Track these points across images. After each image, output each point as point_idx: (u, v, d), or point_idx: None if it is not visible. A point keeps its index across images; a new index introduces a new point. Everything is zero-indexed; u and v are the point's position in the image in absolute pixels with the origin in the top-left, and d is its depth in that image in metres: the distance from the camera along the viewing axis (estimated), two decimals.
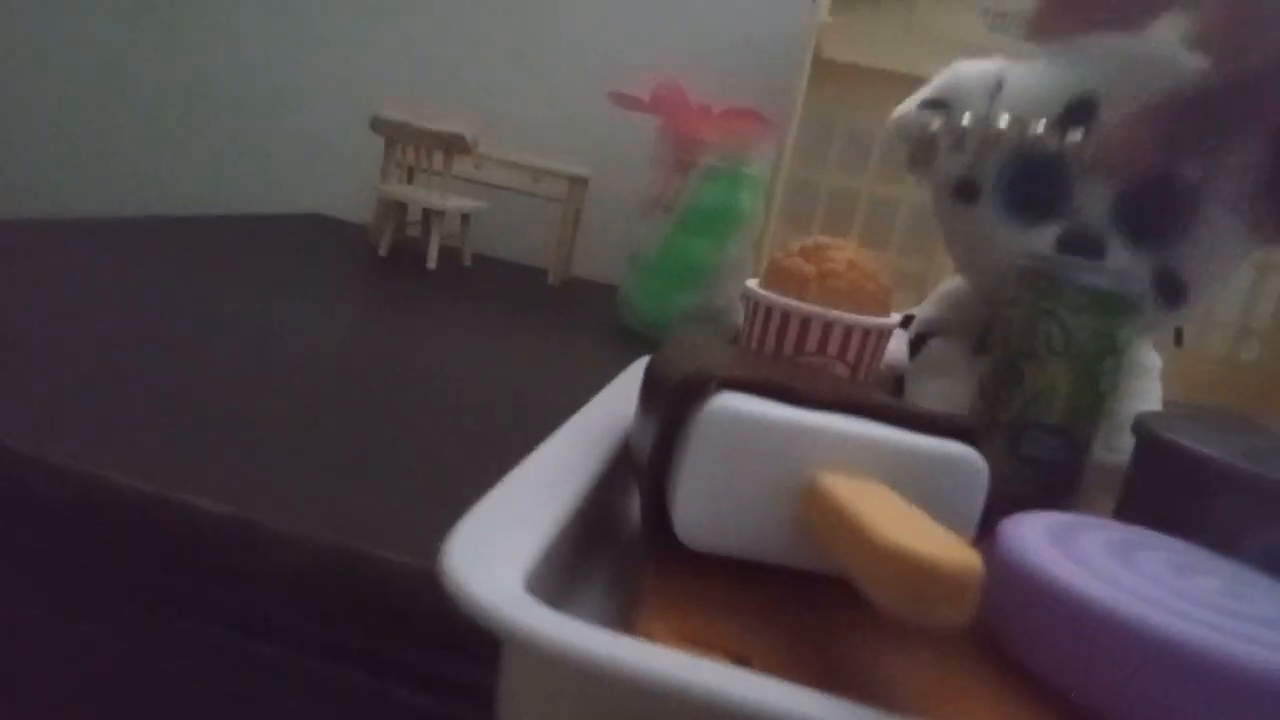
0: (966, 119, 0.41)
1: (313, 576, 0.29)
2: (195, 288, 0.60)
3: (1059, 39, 0.41)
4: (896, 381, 0.53)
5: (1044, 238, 0.39)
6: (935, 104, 0.44)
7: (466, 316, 0.70)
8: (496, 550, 0.21)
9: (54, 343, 0.42)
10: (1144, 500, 0.33)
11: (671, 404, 0.26)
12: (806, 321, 0.38)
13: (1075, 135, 0.38)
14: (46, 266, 0.57)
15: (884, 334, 0.39)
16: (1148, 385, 0.45)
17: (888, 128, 0.46)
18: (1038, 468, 0.35)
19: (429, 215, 0.86)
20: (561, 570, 0.25)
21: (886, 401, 0.27)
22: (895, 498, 0.23)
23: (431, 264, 0.85)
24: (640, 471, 0.29)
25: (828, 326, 0.38)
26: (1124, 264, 0.39)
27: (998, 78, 0.42)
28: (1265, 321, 0.80)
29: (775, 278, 0.39)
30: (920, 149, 0.44)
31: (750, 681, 0.18)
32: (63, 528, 0.30)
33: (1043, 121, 0.39)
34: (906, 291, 0.84)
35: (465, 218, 0.90)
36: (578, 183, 0.91)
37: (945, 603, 0.19)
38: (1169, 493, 0.32)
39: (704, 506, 0.25)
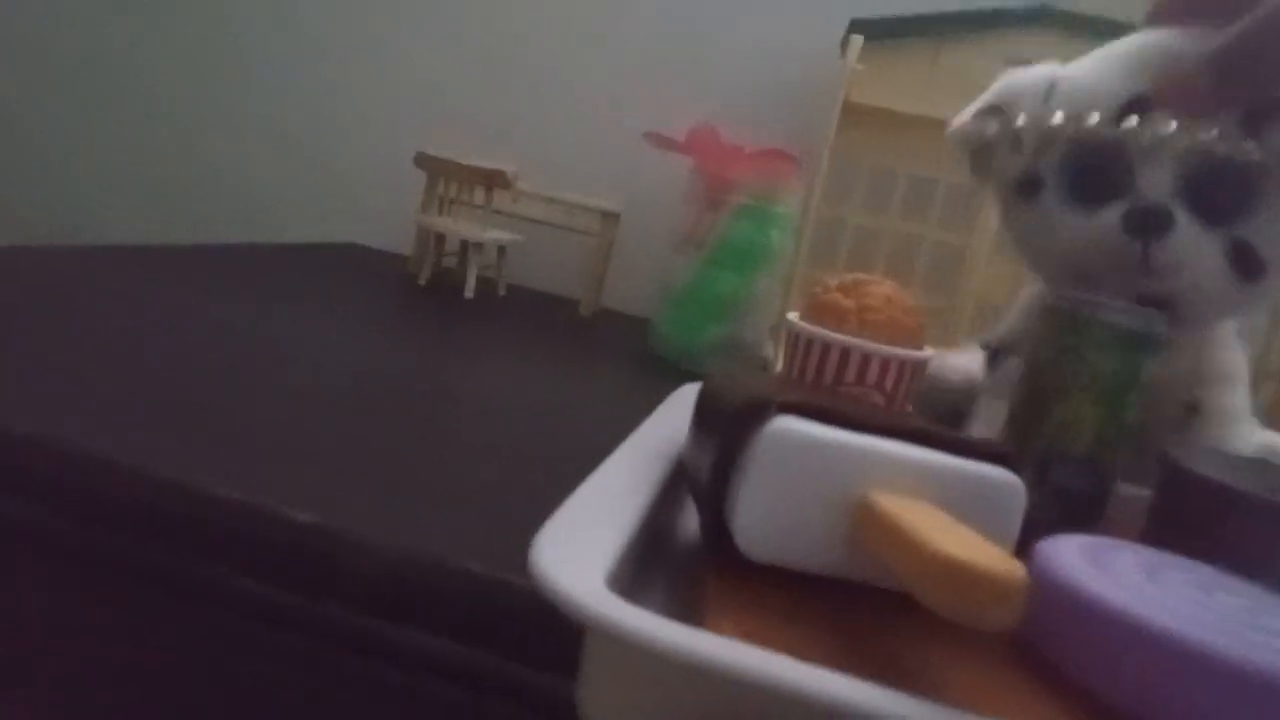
0: (1021, 118, 0.43)
1: (388, 581, 0.31)
2: (247, 315, 0.62)
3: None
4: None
5: (1108, 218, 0.40)
6: (991, 110, 0.46)
7: (504, 344, 0.72)
8: (580, 549, 0.24)
9: (125, 365, 0.45)
10: (1168, 527, 0.35)
11: (733, 426, 0.28)
12: (846, 353, 0.40)
13: (1132, 122, 0.40)
14: (109, 292, 0.60)
15: (919, 366, 0.41)
16: (1233, 399, 0.46)
17: (947, 139, 0.48)
18: (1064, 496, 0.37)
19: (467, 246, 0.89)
20: (633, 573, 0.27)
21: (930, 427, 0.30)
22: (942, 514, 0.25)
23: (469, 293, 0.88)
24: (700, 490, 0.31)
25: (866, 358, 0.40)
26: (1192, 237, 0.40)
27: (1049, 81, 0.44)
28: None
29: (815, 311, 0.42)
30: (980, 155, 0.46)
31: (823, 676, 0.20)
32: (160, 535, 0.33)
33: (1096, 114, 0.41)
34: (928, 328, 0.86)
35: (501, 249, 0.94)
36: (610, 217, 0.94)
37: (995, 606, 0.21)
38: (1191, 520, 0.33)
39: (764, 521, 0.27)
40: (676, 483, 0.34)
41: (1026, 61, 0.85)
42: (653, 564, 0.30)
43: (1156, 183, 0.40)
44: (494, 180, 0.84)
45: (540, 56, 1.09)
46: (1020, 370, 0.39)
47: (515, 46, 1.10)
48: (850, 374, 0.41)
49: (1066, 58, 0.85)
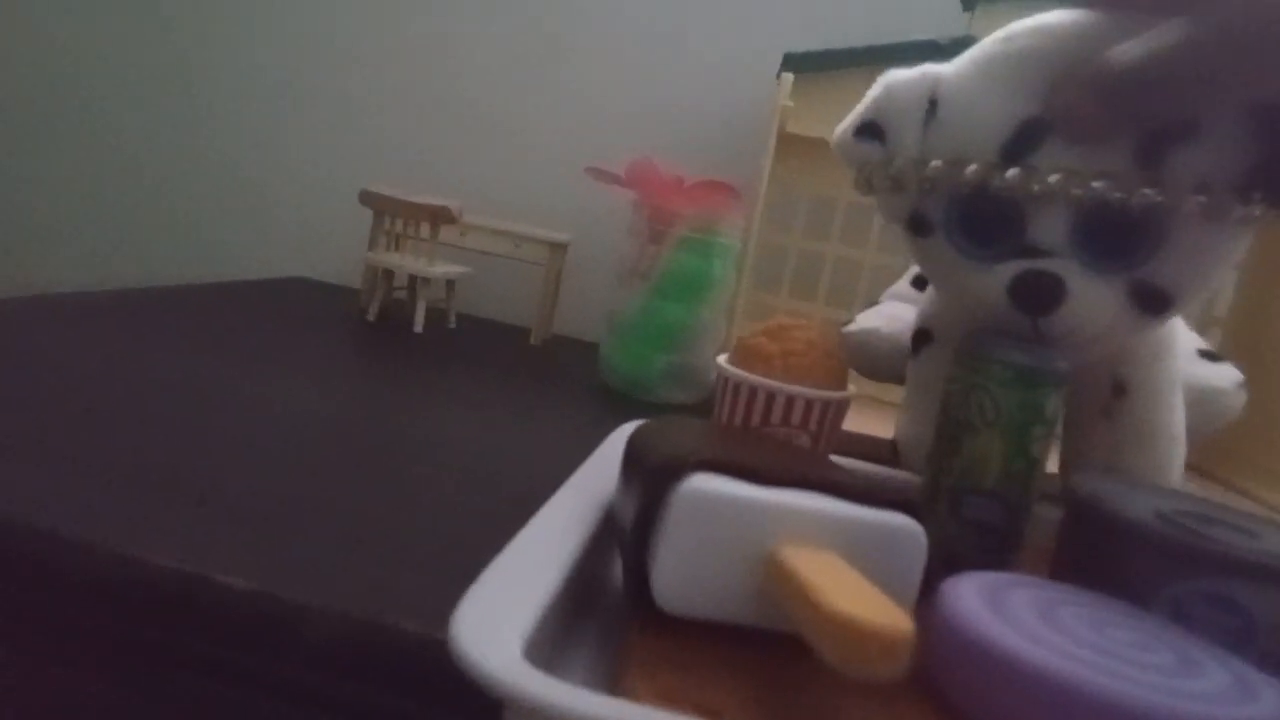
0: (897, 163, 0.39)
1: (334, 647, 0.32)
2: (186, 359, 0.63)
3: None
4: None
5: (994, 282, 0.38)
6: (869, 128, 0.41)
7: (454, 378, 0.73)
8: (498, 622, 0.25)
9: (51, 422, 0.45)
10: (1072, 558, 0.37)
11: (650, 484, 0.29)
12: (772, 396, 0.42)
13: (1023, 166, 0.37)
14: (37, 344, 0.60)
15: (842, 405, 0.43)
16: (1162, 373, 0.44)
17: (833, 150, 0.44)
18: (977, 530, 0.39)
19: (415, 281, 0.90)
20: (556, 634, 0.28)
21: (839, 477, 0.31)
22: (843, 566, 0.27)
23: (418, 328, 0.89)
24: (623, 543, 0.32)
25: (790, 400, 0.42)
26: (1088, 295, 0.37)
27: (929, 96, 0.39)
28: (1226, 312, 0.84)
29: (743, 356, 0.43)
30: (862, 180, 0.42)
31: None
32: (87, 603, 0.33)
33: (973, 166, 0.37)
34: None
35: (450, 283, 0.94)
36: (557, 248, 0.96)
37: (880, 659, 0.22)
38: (1092, 551, 0.35)
39: (680, 576, 0.28)
40: (607, 534, 0.36)
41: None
42: (581, 620, 0.31)
43: (1049, 231, 0.37)
44: (439, 216, 0.85)
45: (486, 94, 1.10)
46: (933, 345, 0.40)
47: (460, 85, 1.11)
48: (776, 415, 0.42)
49: None
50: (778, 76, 0.83)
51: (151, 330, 0.69)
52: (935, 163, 0.38)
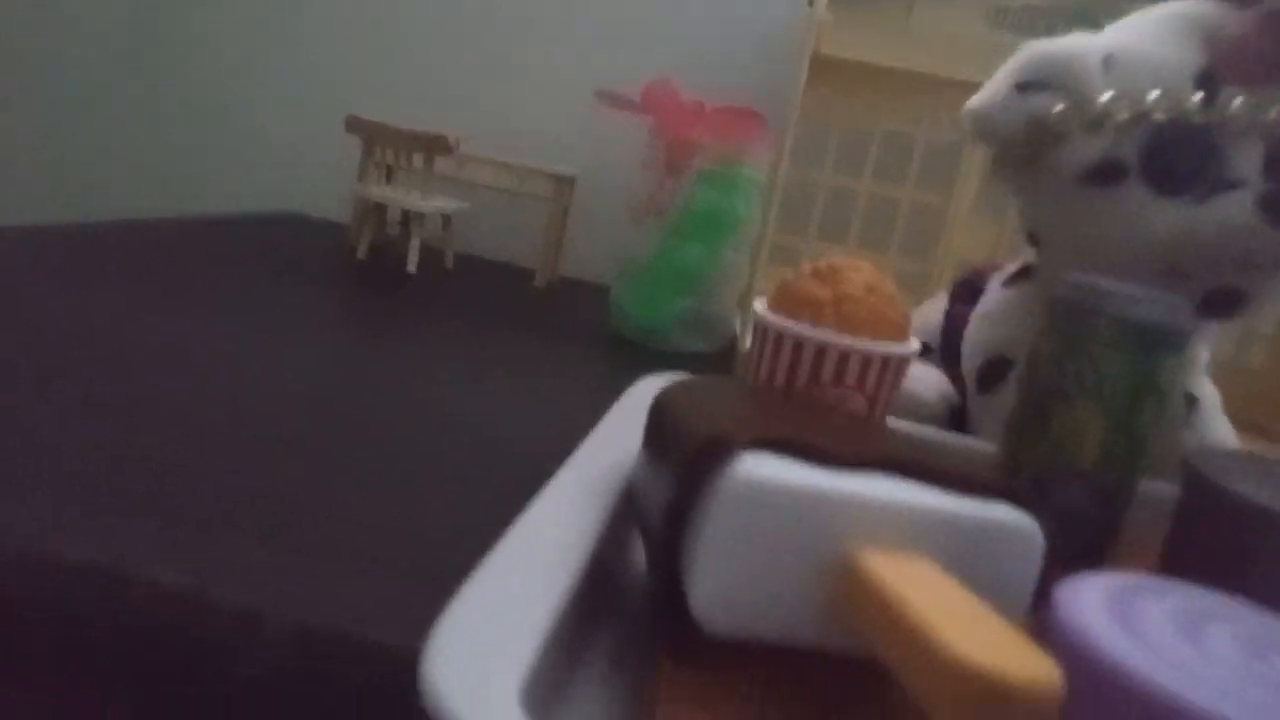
0: (1107, 97, 0.38)
1: (288, 658, 0.26)
2: (164, 308, 0.56)
3: None
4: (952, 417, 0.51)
5: (1240, 203, 0.37)
6: (1033, 87, 0.40)
7: (450, 327, 0.66)
8: (485, 656, 0.18)
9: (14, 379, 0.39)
10: (1194, 551, 0.30)
11: (689, 468, 0.23)
12: (822, 350, 0.35)
13: (1234, 101, 0.37)
14: (19, 281, 0.53)
15: (904, 362, 0.36)
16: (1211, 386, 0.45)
17: (966, 121, 0.42)
18: (1067, 520, 0.32)
19: (409, 217, 0.82)
20: (559, 666, 0.22)
21: (924, 458, 0.25)
22: (947, 580, 0.20)
23: (411, 268, 0.82)
24: (651, 538, 0.26)
25: (845, 356, 0.35)
26: None
27: (1104, 55, 0.39)
28: (1271, 327, 0.78)
29: (787, 301, 0.36)
30: (1029, 137, 0.40)
31: None
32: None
33: (1197, 95, 0.37)
34: (907, 295, 0.81)
35: (447, 219, 0.87)
36: (564, 182, 0.88)
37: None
38: (1224, 544, 0.29)
39: (725, 585, 0.22)
40: (625, 518, 0.29)
41: (1004, 10, 0.79)
42: (592, 638, 0.25)
43: (1245, 163, 0.38)
44: (434, 146, 0.77)
45: (486, 11, 1.01)
46: (1019, 372, 0.35)
47: (460, 3, 1.01)
48: (827, 373, 0.36)
49: (1045, 6, 0.80)
50: None
51: (110, 270, 0.62)
52: (1153, 93, 0.37)
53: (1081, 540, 0.32)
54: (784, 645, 0.22)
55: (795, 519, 0.22)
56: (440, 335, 0.64)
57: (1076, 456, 0.32)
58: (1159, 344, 0.31)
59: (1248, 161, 0.38)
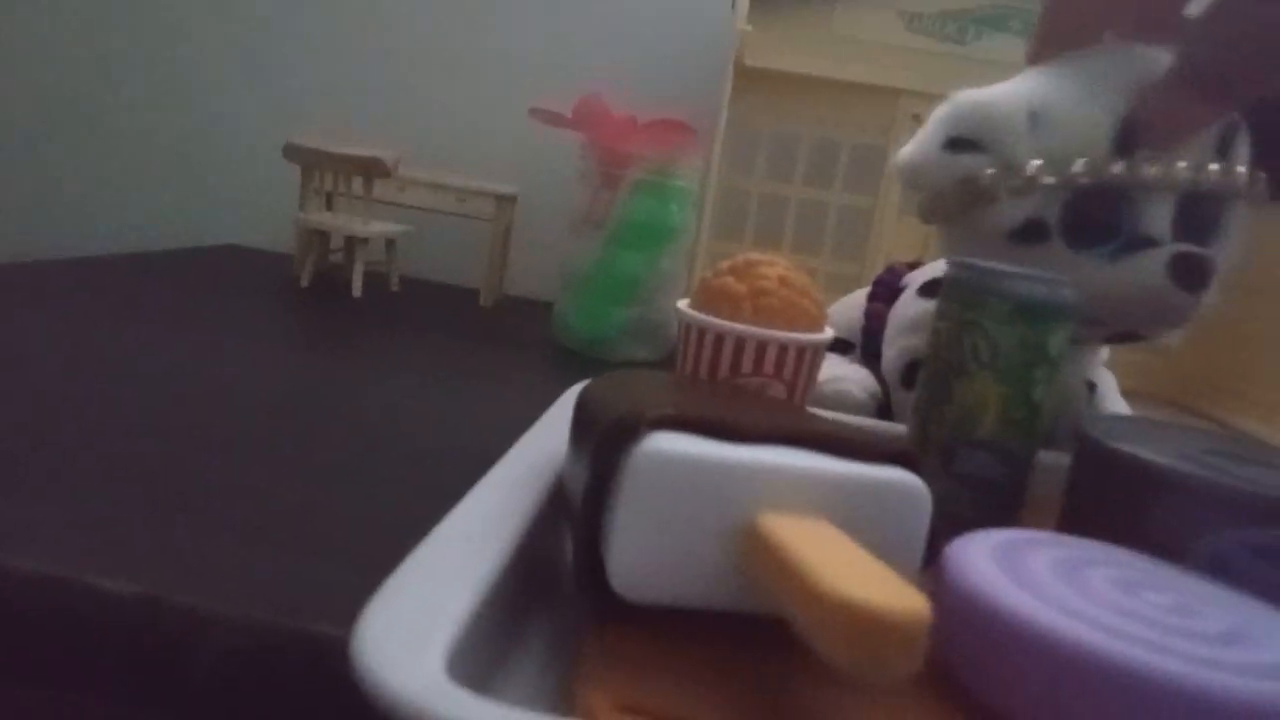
0: (1034, 166, 0.40)
1: (242, 655, 0.26)
2: (106, 332, 0.56)
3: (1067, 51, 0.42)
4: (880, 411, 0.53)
5: (1155, 264, 0.39)
6: (962, 144, 0.41)
7: (397, 346, 0.67)
8: (413, 628, 0.20)
9: None
10: (1088, 510, 0.33)
11: (602, 448, 0.24)
12: (741, 342, 0.37)
13: (1145, 161, 0.39)
14: None
15: (819, 350, 0.38)
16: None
17: (899, 173, 0.44)
18: (973, 486, 0.35)
19: (351, 242, 0.83)
20: (491, 639, 0.23)
21: (823, 428, 0.27)
22: (838, 536, 0.22)
23: (356, 292, 0.82)
24: (573, 520, 0.27)
25: (762, 346, 0.37)
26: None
27: (1028, 109, 0.40)
28: None
29: (707, 298, 0.38)
30: (959, 195, 0.42)
31: None
32: None
33: (1119, 164, 0.39)
34: (841, 295, 0.84)
35: (390, 242, 0.88)
36: (505, 200, 0.89)
37: (896, 655, 0.18)
38: (1113, 501, 0.31)
39: (640, 555, 0.23)
40: (557, 508, 0.31)
41: (920, 16, 0.83)
42: (524, 619, 0.26)
43: (1158, 220, 0.40)
44: (372, 169, 0.78)
45: (421, 35, 1.02)
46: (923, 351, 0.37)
47: (394, 26, 1.02)
48: (747, 364, 0.38)
49: (962, 11, 0.83)
50: (733, 2, 0.77)
51: (72, 303, 0.62)
52: (1079, 162, 0.39)
53: (989, 505, 0.35)
54: (702, 609, 0.24)
55: (700, 489, 0.23)
56: (388, 351, 0.64)
57: (979, 425, 0.34)
58: (1046, 317, 0.34)
59: (1160, 218, 0.40)
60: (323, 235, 0.84)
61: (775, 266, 0.38)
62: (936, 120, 0.43)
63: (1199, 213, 0.41)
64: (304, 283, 0.83)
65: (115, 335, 0.56)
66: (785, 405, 0.34)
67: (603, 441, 0.24)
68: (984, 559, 0.25)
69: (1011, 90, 0.42)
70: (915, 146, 0.43)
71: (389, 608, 0.20)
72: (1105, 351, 0.51)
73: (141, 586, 0.27)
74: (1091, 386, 0.50)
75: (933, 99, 0.44)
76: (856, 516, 0.24)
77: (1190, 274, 0.39)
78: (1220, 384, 0.77)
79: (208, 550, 0.30)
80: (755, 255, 0.39)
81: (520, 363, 0.69)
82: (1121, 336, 0.45)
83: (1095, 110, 0.40)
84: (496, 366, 0.66)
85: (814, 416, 0.31)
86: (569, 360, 0.72)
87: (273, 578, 0.29)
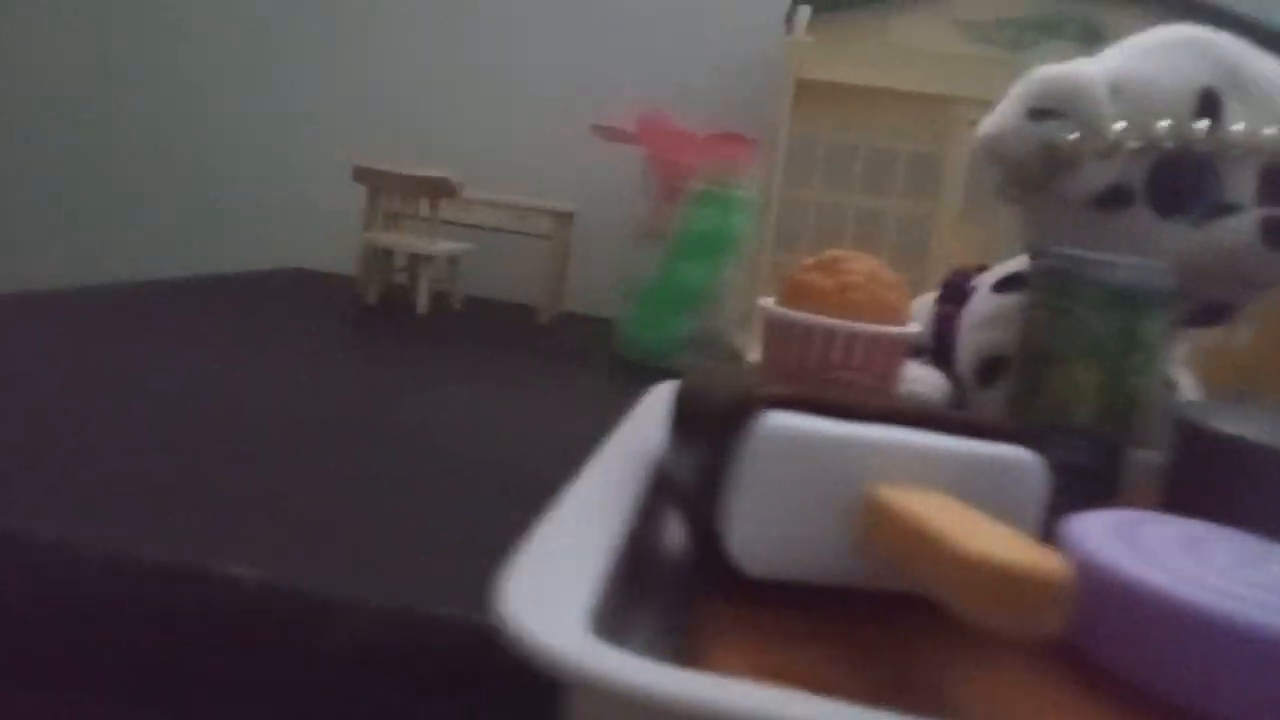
0: (1119, 127, 0.40)
1: (371, 640, 0.27)
2: (188, 356, 0.58)
3: None
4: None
5: (1244, 226, 0.39)
6: (1043, 113, 0.42)
7: (462, 363, 0.69)
8: (554, 591, 0.20)
9: (60, 424, 0.41)
10: (1189, 492, 0.32)
11: (718, 428, 0.25)
12: (831, 335, 0.37)
13: (1236, 126, 0.39)
14: (39, 344, 0.56)
15: (906, 343, 0.39)
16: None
17: (980, 149, 0.44)
18: (1068, 473, 0.34)
19: (416, 260, 0.85)
20: (615, 609, 0.23)
21: (934, 410, 0.27)
22: (960, 506, 0.22)
23: (422, 310, 0.84)
24: (685, 501, 0.28)
25: (852, 339, 0.37)
26: None
27: (1109, 80, 0.41)
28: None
29: (793, 294, 0.39)
30: (1043, 162, 0.42)
31: (849, 713, 0.17)
32: (92, 614, 0.29)
33: (1205, 122, 0.39)
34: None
35: (453, 260, 0.90)
36: (563, 218, 0.91)
37: (1040, 611, 0.18)
38: (1215, 482, 0.31)
39: (761, 531, 0.24)
40: (657, 497, 0.31)
41: (977, 25, 0.83)
42: (637, 595, 0.27)
43: (1243, 184, 0.40)
44: (439, 190, 0.80)
45: (479, 56, 1.05)
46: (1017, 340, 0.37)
47: (452, 47, 1.05)
48: (836, 358, 0.38)
49: (1018, 19, 0.83)
50: (788, 15, 0.78)
51: (151, 327, 0.65)
52: (1163, 122, 0.39)
53: (1085, 494, 0.34)
54: (818, 584, 0.24)
55: (817, 464, 0.24)
56: (455, 368, 0.66)
57: (1075, 413, 0.34)
58: (1141, 303, 0.34)
59: (1244, 184, 0.40)
60: (387, 255, 0.86)
61: (860, 261, 0.39)
62: (1016, 94, 0.43)
63: (1276, 181, 0.40)
64: (370, 301, 0.85)
65: (188, 358, 0.59)
66: (885, 392, 0.34)
67: (720, 420, 0.25)
68: (1105, 534, 0.25)
69: (1091, 63, 0.42)
70: (995, 118, 0.43)
71: (526, 575, 0.21)
72: (1183, 350, 0.50)
73: (265, 574, 0.28)
74: (1171, 385, 0.49)
75: (989, 106, 0.44)
76: (972, 491, 0.24)
77: (1275, 236, 0.38)
78: None
79: (321, 545, 0.31)
80: (840, 252, 0.39)
81: (580, 376, 0.70)
82: (1206, 314, 0.44)
83: (1177, 82, 0.40)
84: (557, 381, 0.67)
85: (920, 401, 0.31)
86: (631, 373, 0.73)
87: (379, 571, 0.30)
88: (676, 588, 0.27)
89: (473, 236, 0.94)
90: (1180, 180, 0.40)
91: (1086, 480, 0.34)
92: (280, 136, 1.10)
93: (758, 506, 0.24)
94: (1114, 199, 0.41)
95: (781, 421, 0.24)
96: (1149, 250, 0.41)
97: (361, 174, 0.83)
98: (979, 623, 0.18)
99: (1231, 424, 0.31)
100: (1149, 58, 0.42)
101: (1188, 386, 0.51)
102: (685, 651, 0.24)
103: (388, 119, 1.07)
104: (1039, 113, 0.42)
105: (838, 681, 0.21)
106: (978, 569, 0.18)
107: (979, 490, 0.24)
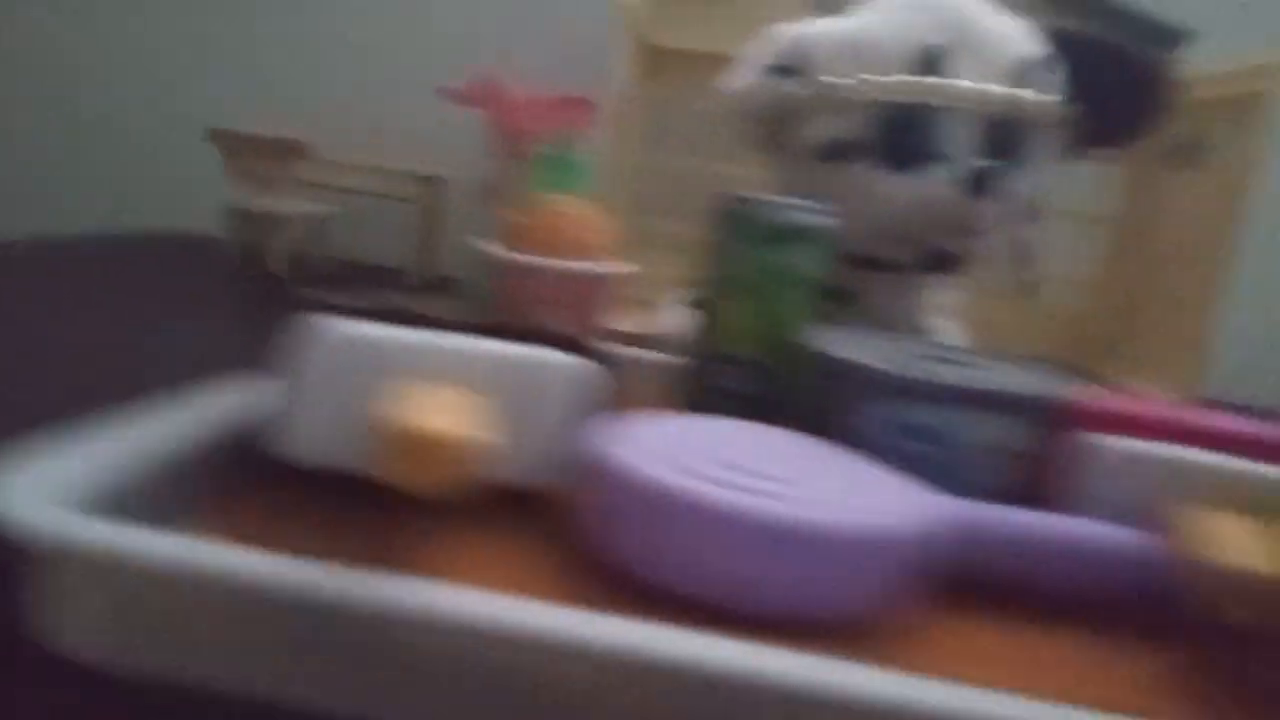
0: (851, 82, 0.42)
1: None
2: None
3: None
4: None
5: (934, 180, 0.42)
6: (785, 70, 0.44)
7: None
8: (50, 468, 0.22)
9: None
10: (789, 406, 0.35)
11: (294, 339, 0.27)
12: (530, 272, 0.39)
13: (956, 82, 0.41)
14: None
15: (600, 279, 0.41)
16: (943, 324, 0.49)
17: (727, 102, 0.46)
18: (728, 399, 0.36)
19: (272, 221, 0.86)
20: (153, 497, 0.25)
21: (510, 323, 0.29)
22: (458, 397, 0.24)
23: (277, 269, 0.86)
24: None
25: (547, 274, 0.39)
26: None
27: (847, 39, 0.43)
28: (1088, 271, 0.83)
29: (510, 238, 0.41)
30: (776, 116, 0.44)
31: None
32: None
33: (935, 78, 0.41)
34: None
35: (315, 222, 0.91)
36: (429, 182, 0.92)
37: (431, 465, 0.20)
38: (803, 393, 0.34)
39: (309, 423, 0.26)
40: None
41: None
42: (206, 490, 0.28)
43: (960, 140, 0.42)
44: (289, 151, 0.81)
45: (349, 18, 1.06)
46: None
47: (315, 12, 1.06)
48: (542, 292, 0.40)
49: None
50: None
51: (34, 286, 0.66)
52: (895, 77, 0.41)
53: (742, 416, 0.37)
54: (362, 473, 0.26)
55: (364, 365, 0.26)
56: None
57: (735, 344, 0.36)
58: (796, 239, 0.36)
59: (962, 139, 0.42)
60: (246, 215, 0.88)
61: (572, 206, 0.41)
62: (758, 50, 0.45)
63: (1001, 137, 0.42)
64: (234, 264, 0.87)
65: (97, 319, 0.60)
66: (584, 323, 0.37)
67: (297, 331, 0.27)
68: (611, 430, 0.27)
69: (829, 23, 0.44)
70: (737, 74, 0.46)
71: (33, 456, 0.23)
72: (943, 299, 0.52)
73: None
74: (924, 331, 0.50)
75: None
76: (521, 393, 0.26)
77: (977, 185, 0.41)
78: (1117, 347, 0.78)
79: None
80: (557, 199, 0.42)
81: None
82: (934, 262, 0.46)
83: (903, 40, 0.42)
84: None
85: (514, 319, 0.33)
86: None
87: None
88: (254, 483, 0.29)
89: (347, 202, 0.95)
90: (904, 134, 0.42)
91: (743, 405, 0.37)
92: (142, 96, 1.11)
93: (307, 402, 0.26)
94: (837, 151, 0.43)
95: (333, 327, 0.26)
96: (873, 200, 0.44)
97: (217, 136, 0.84)
98: (401, 485, 0.20)
99: (833, 345, 0.33)
100: (880, 16, 0.44)
101: (949, 333, 0.53)
102: (194, 527, 0.25)
103: (262, 86, 1.08)
104: (777, 69, 0.44)
105: (310, 549, 0.23)
106: (392, 437, 0.20)
107: (528, 391, 0.27)
